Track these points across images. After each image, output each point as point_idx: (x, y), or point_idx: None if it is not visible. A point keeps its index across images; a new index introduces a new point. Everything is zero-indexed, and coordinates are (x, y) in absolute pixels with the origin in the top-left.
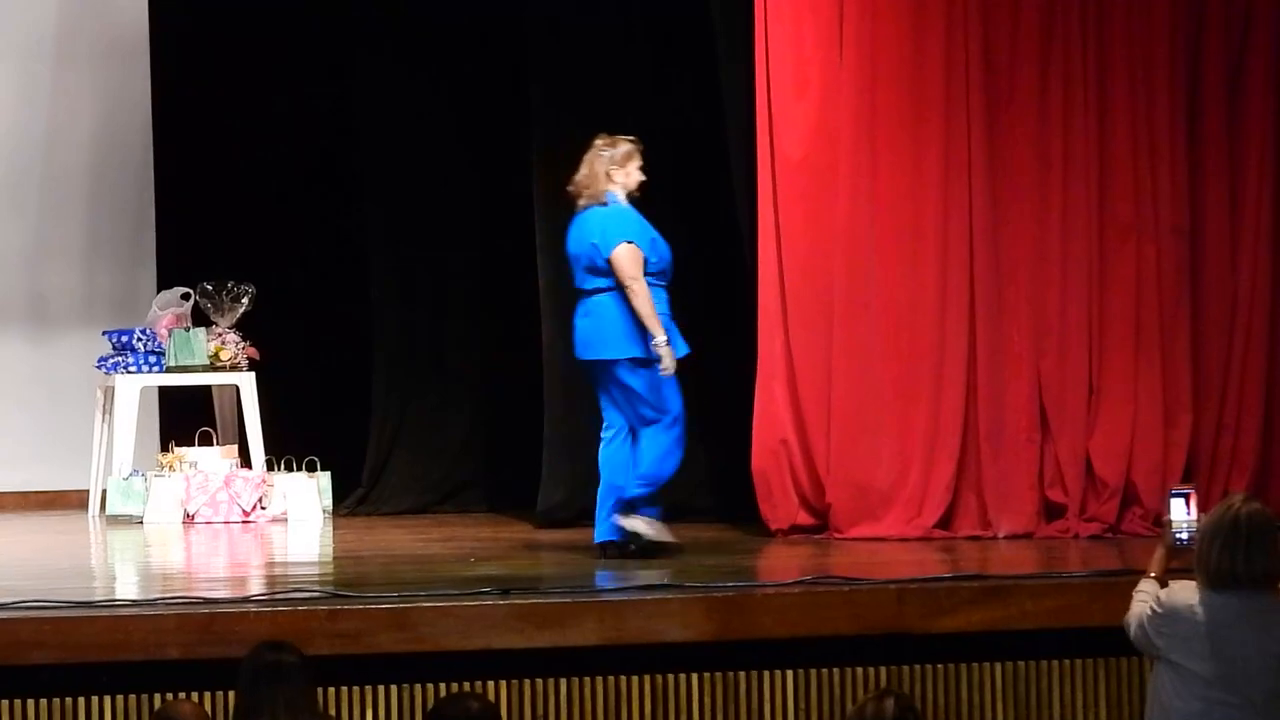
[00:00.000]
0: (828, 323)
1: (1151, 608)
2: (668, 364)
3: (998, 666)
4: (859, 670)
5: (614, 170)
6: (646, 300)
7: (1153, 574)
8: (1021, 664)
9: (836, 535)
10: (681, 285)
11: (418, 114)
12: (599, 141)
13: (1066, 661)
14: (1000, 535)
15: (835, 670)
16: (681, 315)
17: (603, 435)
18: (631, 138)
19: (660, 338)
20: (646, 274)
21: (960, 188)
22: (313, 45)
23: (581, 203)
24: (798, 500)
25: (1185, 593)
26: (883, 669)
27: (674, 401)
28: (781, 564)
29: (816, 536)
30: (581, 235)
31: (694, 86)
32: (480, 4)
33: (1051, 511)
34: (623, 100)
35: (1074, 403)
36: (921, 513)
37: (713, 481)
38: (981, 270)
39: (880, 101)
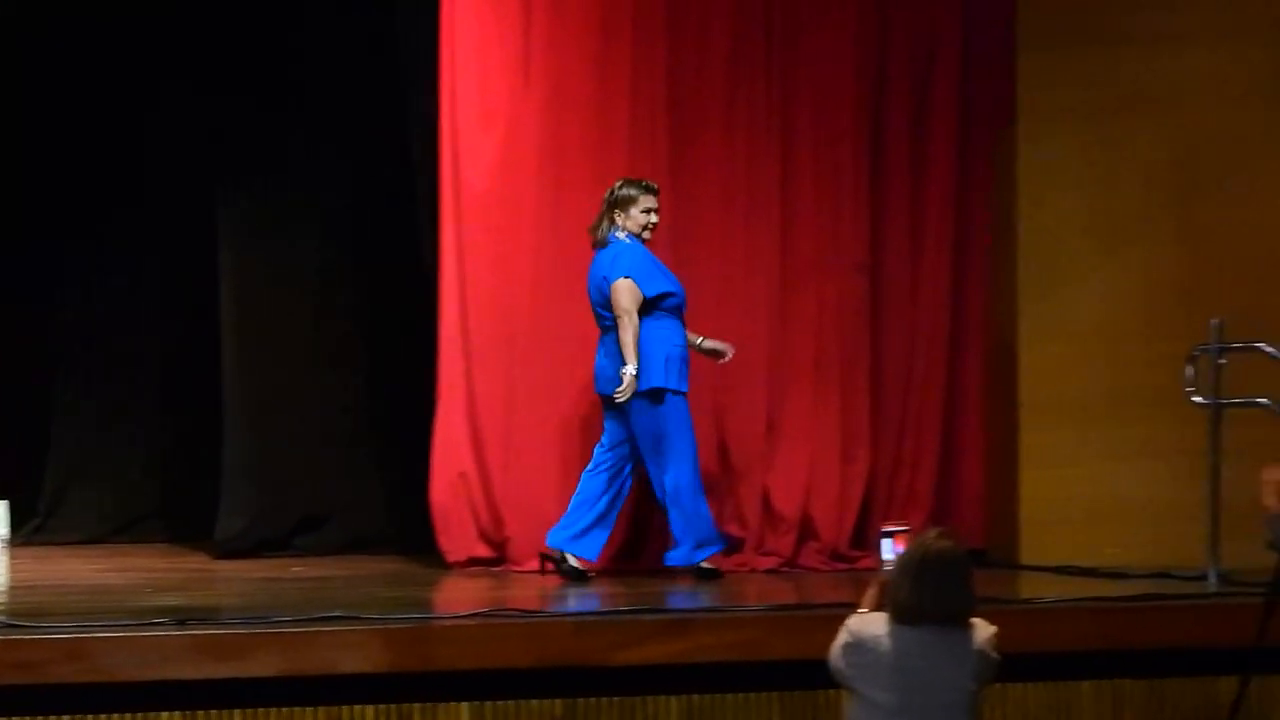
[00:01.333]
0: (509, 356)
1: (845, 638)
2: (624, 391)
3: (675, 700)
4: (535, 703)
5: (616, 213)
6: (631, 333)
7: (863, 609)
8: (699, 697)
9: (514, 568)
10: (364, 316)
11: (83, 138)
12: (613, 186)
13: (744, 695)
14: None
15: (513, 702)
16: (361, 348)
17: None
18: (641, 182)
19: (629, 368)
20: (660, 309)
21: None
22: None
23: (594, 246)
24: (476, 533)
25: (875, 624)
26: (560, 701)
27: (680, 456)
28: (459, 596)
29: (495, 569)
30: (592, 276)
31: (381, 117)
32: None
33: (730, 546)
34: (304, 129)
35: (753, 438)
36: (607, 545)
37: (391, 513)
38: None
39: (566, 134)
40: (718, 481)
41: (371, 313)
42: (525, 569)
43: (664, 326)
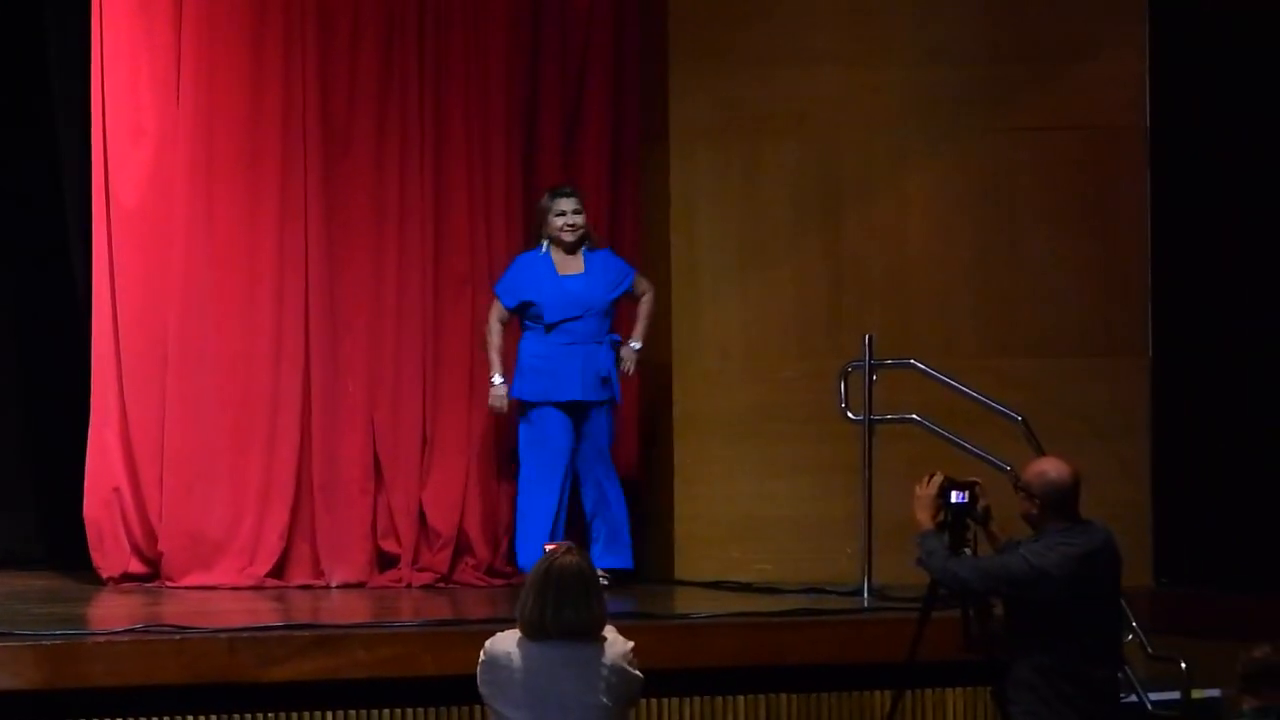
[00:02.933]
0: (162, 371)
1: (481, 657)
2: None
3: (329, 715)
4: (190, 719)
5: (542, 226)
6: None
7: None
8: (354, 712)
9: (169, 584)
10: (20, 334)
11: None
12: None
13: (397, 710)
14: (333, 585)
15: (167, 719)
16: (13, 363)
17: None
18: (551, 189)
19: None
20: (526, 318)
21: (296, 237)
22: None
23: None
24: (130, 548)
25: (507, 641)
26: (215, 717)
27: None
28: (112, 612)
29: (149, 585)
30: None
31: (30, 134)
32: None
33: (385, 561)
34: None
35: (408, 453)
36: (254, 562)
37: (44, 529)
38: (317, 320)
39: (217, 150)
40: (372, 496)
41: (23, 328)
42: (180, 584)
43: (525, 338)
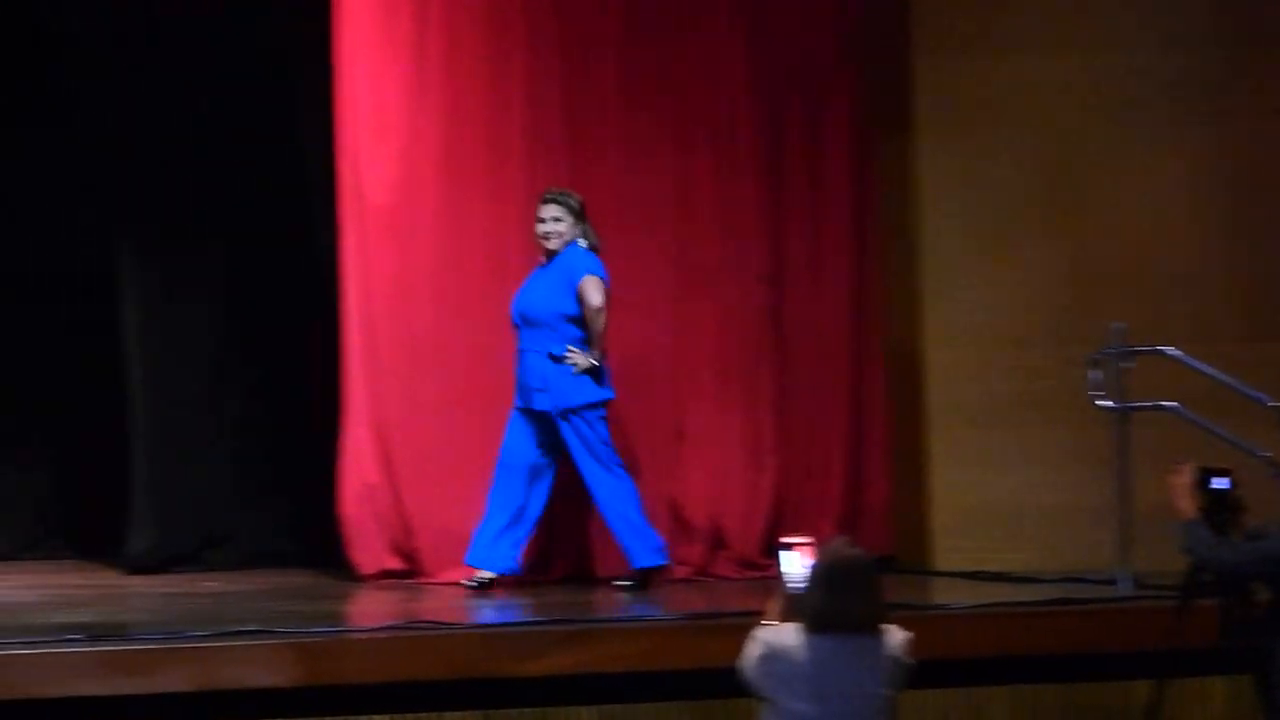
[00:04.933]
0: (413, 367)
1: (758, 649)
2: None
3: (587, 709)
4: (450, 714)
5: None
6: None
7: (768, 621)
8: (612, 707)
9: (426, 579)
10: (271, 333)
11: None
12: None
13: (656, 704)
14: (592, 579)
15: (425, 714)
16: (266, 363)
17: None
18: (543, 193)
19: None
20: None
21: None
22: None
23: None
24: (386, 544)
25: (789, 634)
26: (473, 713)
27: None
28: (370, 609)
29: (406, 581)
30: None
31: (279, 134)
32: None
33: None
34: (207, 144)
35: (661, 447)
36: None
37: (300, 526)
38: None
39: (463, 148)
40: None
41: (276, 327)
42: (437, 580)
43: None
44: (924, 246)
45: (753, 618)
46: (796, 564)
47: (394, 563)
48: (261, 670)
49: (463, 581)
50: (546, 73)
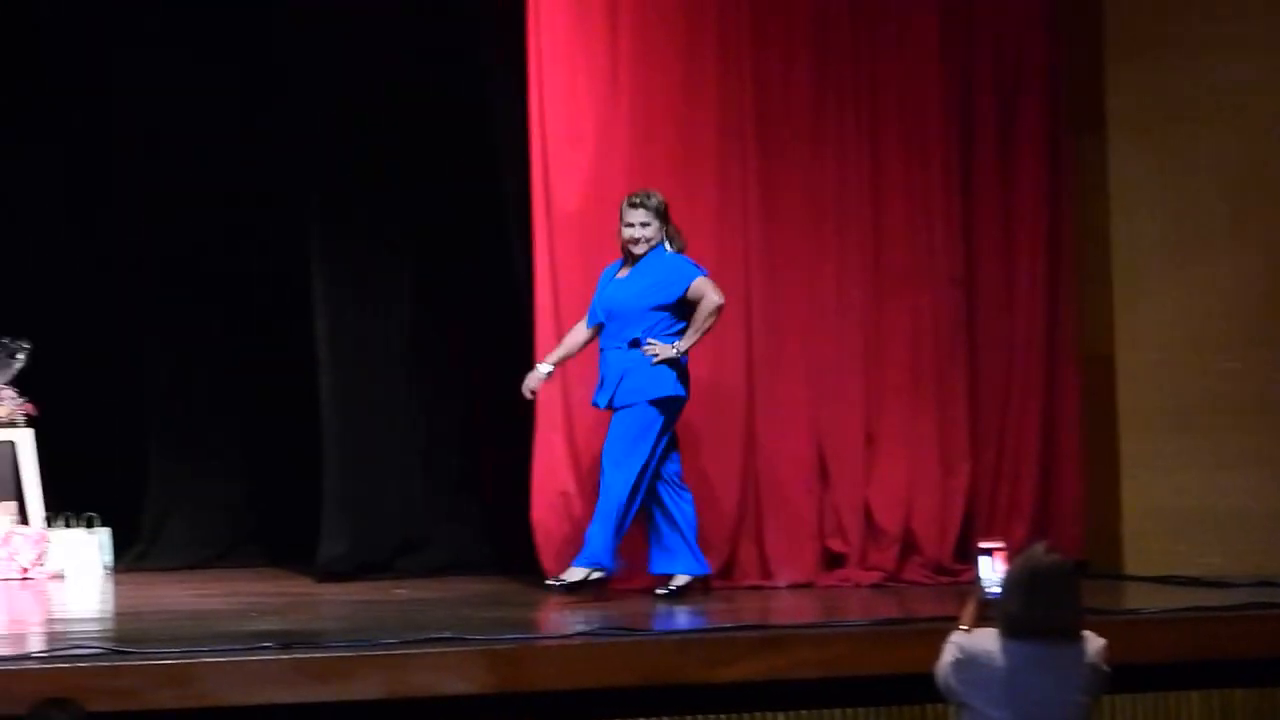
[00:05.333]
0: None
1: (954, 654)
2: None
3: (778, 715)
4: None
5: None
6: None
7: (963, 626)
8: (803, 712)
9: (617, 586)
10: (462, 336)
11: (180, 181)
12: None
13: (848, 710)
14: (781, 585)
15: None
16: (457, 371)
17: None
18: (630, 197)
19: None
20: None
21: (734, 238)
22: (75, 104)
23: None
24: (578, 551)
25: (986, 640)
26: (665, 719)
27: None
28: (562, 615)
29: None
30: None
31: (469, 139)
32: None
33: (832, 561)
34: (399, 150)
35: (851, 452)
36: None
37: (492, 533)
38: (758, 320)
39: (654, 150)
40: (818, 495)
41: (467, 335)
42: (628, 587)
43: None
44: (1116, 249)
45: (944, 623)
46: (991, 569)
47: None
48: (453, 677)
49: (549, 581)
50: (738, 73)
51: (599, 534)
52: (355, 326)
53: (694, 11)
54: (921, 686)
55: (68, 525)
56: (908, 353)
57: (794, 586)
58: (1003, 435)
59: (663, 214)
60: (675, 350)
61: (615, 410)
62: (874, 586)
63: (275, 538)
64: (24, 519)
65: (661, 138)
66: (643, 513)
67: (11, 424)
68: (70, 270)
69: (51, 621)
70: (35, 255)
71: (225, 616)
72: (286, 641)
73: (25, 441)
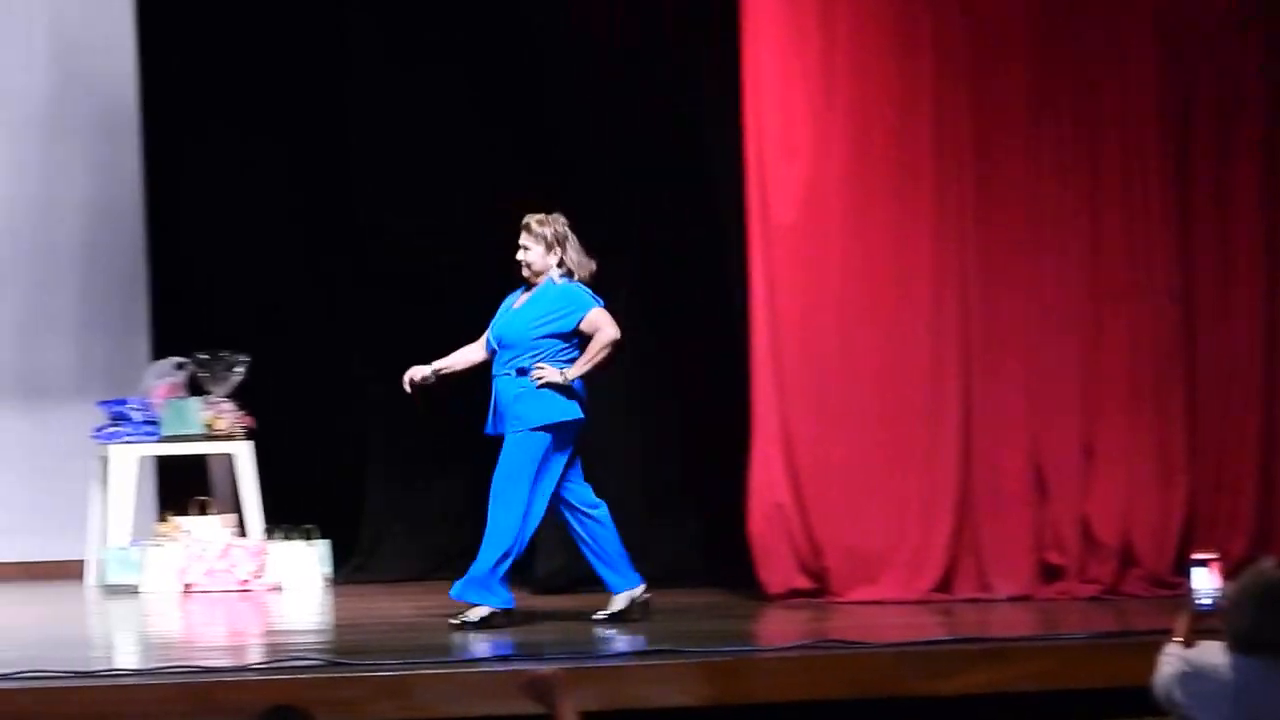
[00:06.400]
0: (820, 385)
1: (1180, 668)
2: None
3: None
4: None
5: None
6: None
7: (1177, 638)
8: None
9: (834, 599)
10: (675, 349)
11: (415, 199)
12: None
13: None
14: (999, 597)
15: None
16: (674, 382)
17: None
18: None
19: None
20: None
21: (951, 250)
22: (307, 118)
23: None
24: (795, 563)
25: (1213, 654)
26: None
27: None
28: (779, 628)
29: (814, 600)
30: None
31: (682, 153)
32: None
33: (1050, 573)
34: (616, 162)
35: (1070, 464)
36: (919, 575)
37: (707, 545)
38: (975, 333)
39: (870, 163)
40: (1036, 508)
41: (681, 348)
42: (845, 600)
43: None
44: None
45: (1163, 636)
46: (1206, 580)
47: (802, 582)
48: (670, 689)
49: (452, 622)
50: (954, 84)
51: (484, 569)
52: None
53: (909, 24)
54: (1140, 699)
55: (286, 538)
56: (1125, 365)
57: (1012, 599)
58: (1222, 447)
59: (552, 241)
60: (563, 376)
61: (503, 438)
62: (1092, 599)
63: None
64: (243, 531)
65: (877, 151)
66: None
67: (230, 437)
68: (291, 284)
69: (271, 633)
70: (256, 269)
71: (443, 629)
72: (503, 654)
73: (244, 454)
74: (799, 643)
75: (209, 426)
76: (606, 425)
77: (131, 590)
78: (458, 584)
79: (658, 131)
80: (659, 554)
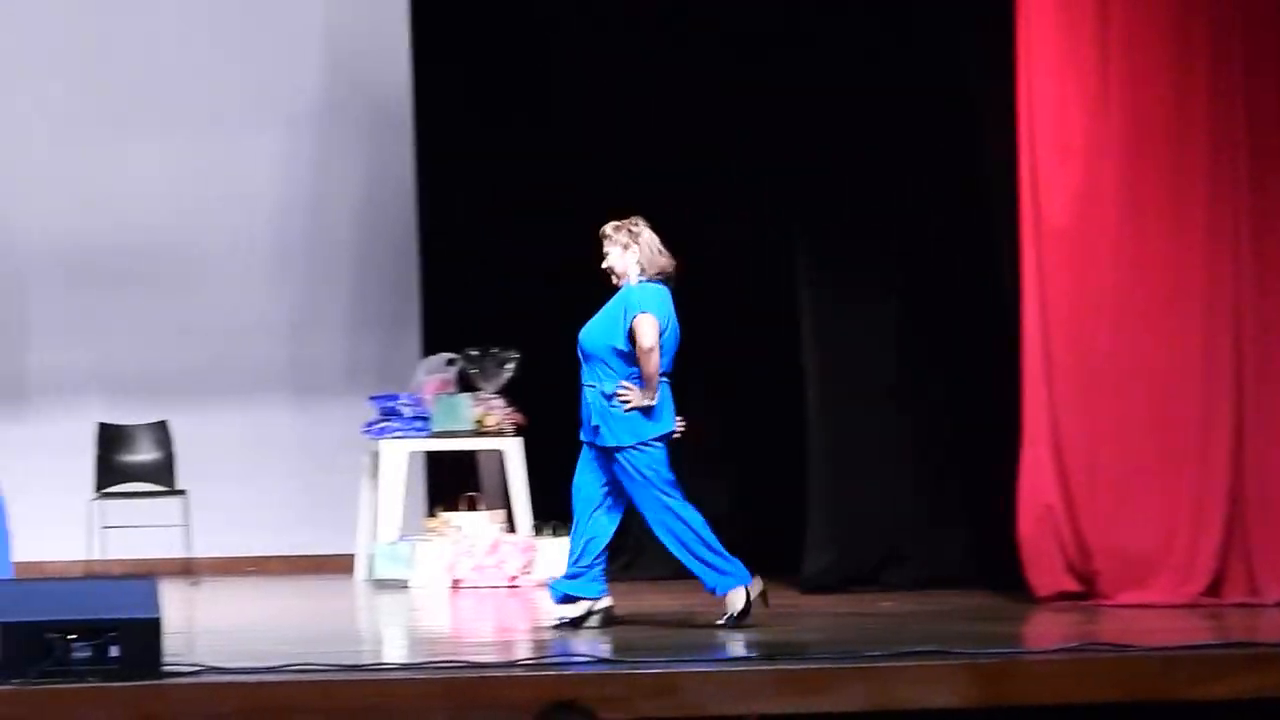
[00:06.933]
0: (1091, 388)
1: None
2: None
3: None
4: None
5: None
6: None
7: None
8: None
9: (1102, 601)
10: (948, 352)
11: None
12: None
13: None
14: (1270, 602)
15: None
16: (941, 384)
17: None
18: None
19: None
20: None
21: (1225, 252)
22: (578, 115)
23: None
24: (1064, 566)
25: None
26: None
27: None
28: (1048, 630)
29: (1082, 603)
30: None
31: (952, 154)
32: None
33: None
34: (883, 163)
35: None
36: (1189, 579)
37: (977, 548)
38: (1247, 336)
39: (1144, 166)
40: None
41: (951, 349)
42: (1114, 602)
43: None
44: None
45: None
46: None
47: (1070, 584)
48: (939, 690)
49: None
50: (1230, 87)
51: (709, 565)
52: (841, 339)
53: (1185, 26)
54: None
55: (555, 534)
56: None
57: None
58: None
59: (627, 242)
60: (644, 400)
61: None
62: None
63: (760, 549)
64: (511, 527)
65: (1152, 153)
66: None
67: (500, 433)
68: (562, 280)
69: (539, 629)
70: (527, 265)
71: (709, 627)
72: (771, 653)
73: (514, 451)
74: (1067, 645)
75: (479, 423)
76: (878, 429)
77: (400, 585)
78: (710, 579)
79: (927, 128)
80: (929, 557)
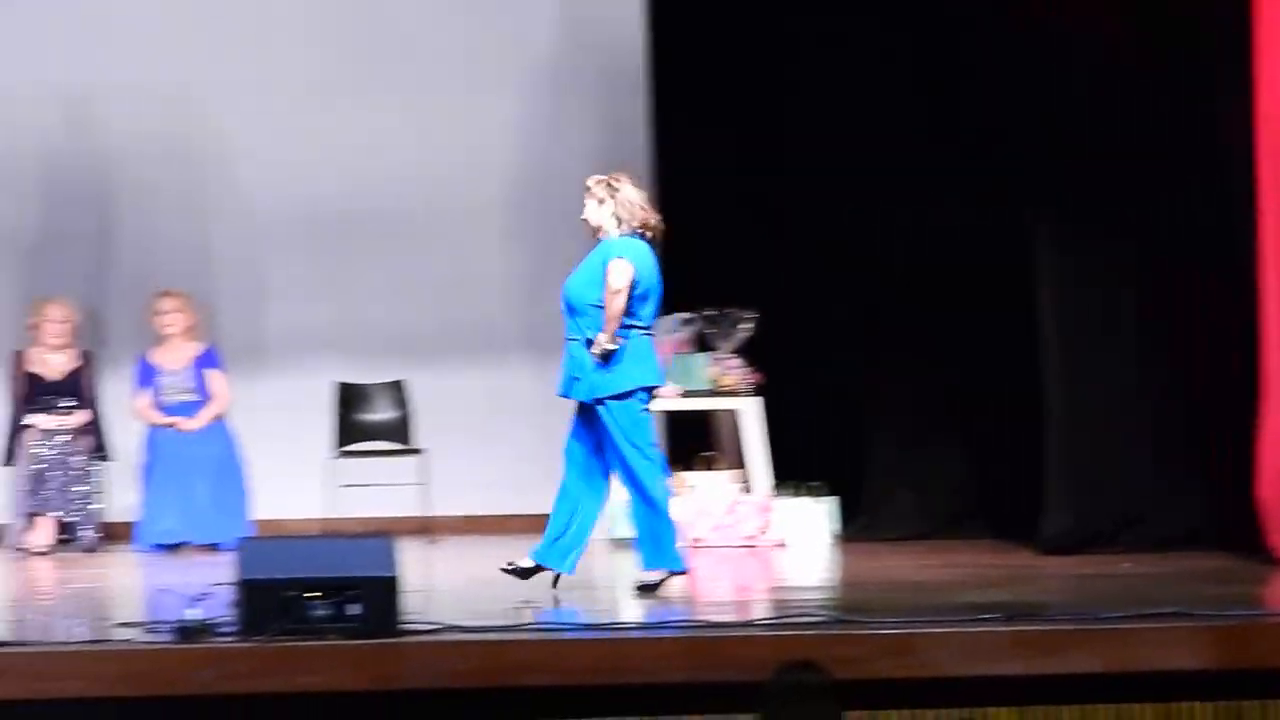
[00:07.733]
0: None
1: None
2: None
3: None
4: None
5: None
6: None
7: None
8: None
9: None
10: (1184, 316)
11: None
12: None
13: None
14: None
15: None
16: (1177, 344)
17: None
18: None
19: None
20: None
21: None
22: (819, 77)
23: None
24: None
25: None
26: None
27: None
28: None
29: None
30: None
31: (1188, 113)
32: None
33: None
34: (1122, 143)
35: None
36: None
37: (1216, 510)
38: None
39: None
40: None
41: (1187, 309)
42: None
43: None
44: None
45: None
46: None
47: None
48: (1179, 653)
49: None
50: None
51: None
52: (1080, 302)
53: None
54: None
55: (794, 494)
56: None
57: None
58: None
59: (604, 196)
60: (604, 346)
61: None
62: None
63: (997, 510)
64: (749, 488)
65: None
66: None
67: (736, 393)
68: (796, 241)
69: (776, 589)
70: (763, 225)
71: (946, 588)
72: (1009, 614)
73: (751, 411)
74: None
75: (715, 382)
76: (1115, 388)
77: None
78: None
79: (1164, 110)
80: (1169, 519)
